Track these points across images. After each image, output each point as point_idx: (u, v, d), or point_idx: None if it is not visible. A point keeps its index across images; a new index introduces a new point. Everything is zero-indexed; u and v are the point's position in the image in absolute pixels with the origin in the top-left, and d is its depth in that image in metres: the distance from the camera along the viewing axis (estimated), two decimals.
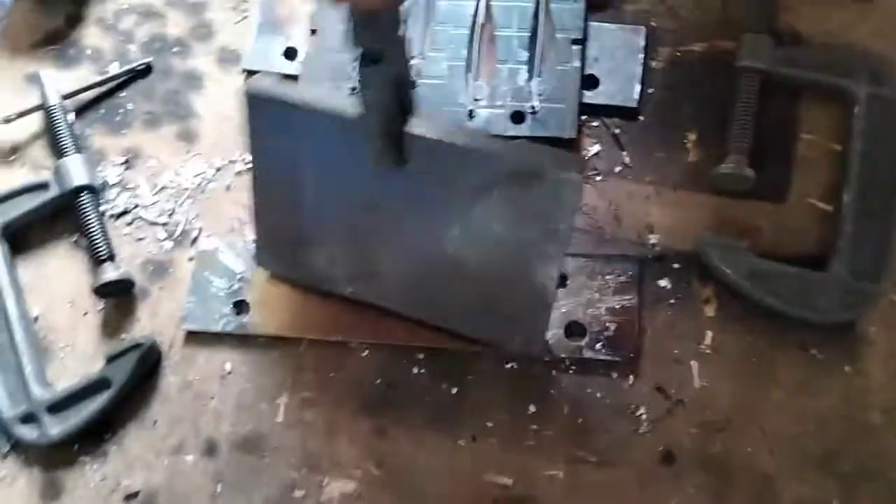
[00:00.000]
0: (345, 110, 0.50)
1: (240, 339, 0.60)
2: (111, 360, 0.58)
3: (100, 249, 0.62)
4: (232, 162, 0.66)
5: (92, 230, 0.63)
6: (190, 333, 0.61)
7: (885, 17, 0.64)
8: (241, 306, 0.61)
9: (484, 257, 0.53)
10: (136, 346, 0.58)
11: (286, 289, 0.61)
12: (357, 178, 0.53)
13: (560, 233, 0.50)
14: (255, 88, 0.53)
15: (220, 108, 0.68)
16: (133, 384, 0.59)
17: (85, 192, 0.64)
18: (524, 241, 0.51)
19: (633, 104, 0.63)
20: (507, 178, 0.49)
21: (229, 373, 0.59)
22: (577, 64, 0.63)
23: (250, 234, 0.63)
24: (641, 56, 0.64)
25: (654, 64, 0.65)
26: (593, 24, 0.65)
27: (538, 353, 0.56)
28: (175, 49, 0.71)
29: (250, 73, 0.69)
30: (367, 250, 0.56)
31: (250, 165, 0.58)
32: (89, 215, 0.63)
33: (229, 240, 0.63)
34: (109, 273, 0.61)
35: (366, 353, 0.59)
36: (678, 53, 0.65)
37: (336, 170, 0.54)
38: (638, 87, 0.63)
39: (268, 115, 0.54)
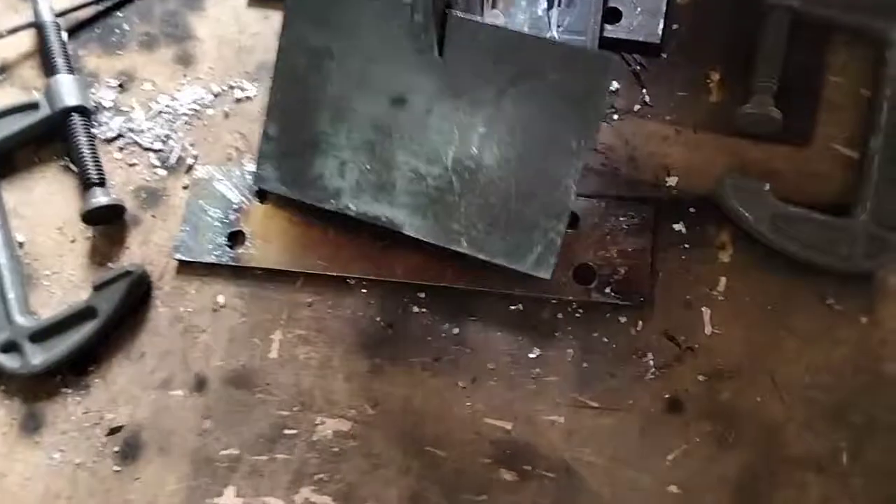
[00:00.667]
0: None
1: (234, 272, 0.58)
2: (98, 288, 0.56)
3: (90, 173, 0.59)
4: (231, 88, 0.63)
5: (82, 153, 0.60)
6: (182, 264, 0.58)
7: None
8: (236, 237, 0.58)
9: (506, 158, 0.52)
10: (125, 273, 0.56)
11: (284, 221, 0.58)
12: (389, 70, 0.53)
13: (588, 123, 0.50)
14: None
15: (220, 30, 0.65)
16: (120, 314, 0.56)
17: (76, 113, 0.61)
18: (550, 137, 0.51)
19: (656, 40, 0.60)
20: (547, 63, 0.50)
21: (222, 306, 0.57)
22: None
23: (248, 164, 0.61)
24: None
25: (679, 0, 0.61)
26: None
27: (546, 275, 0.53)
28: None
29: None
30: (384, 154, 0.54)
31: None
32: (80, 138, 0.60)
33: (226, 168, 0.60)
34: (99, 198, 0.58)
35: (364, 289, 0.57)
36: None
37: (368, 60, 0.53)
38: (662, 23, 0.60)
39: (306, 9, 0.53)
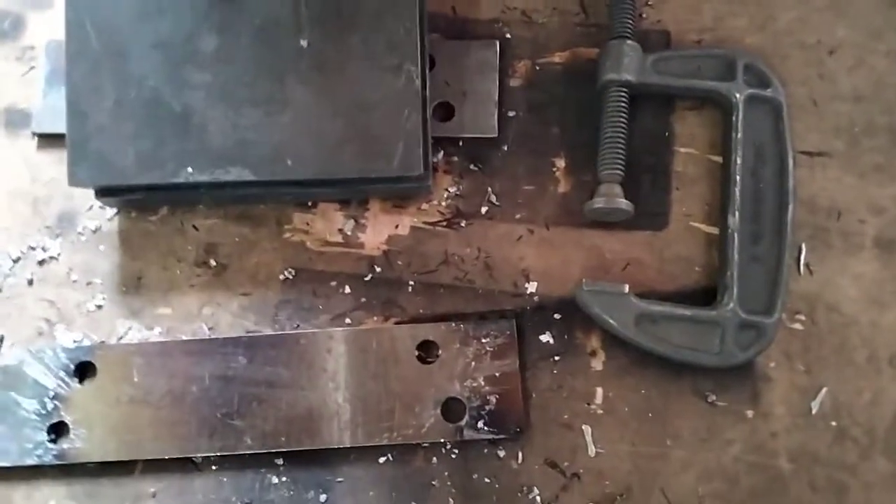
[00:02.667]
0: None
1: (63, 469, 0.51)
2: None
3: None
4: (32, 249, 0.55)
5: None
6: (2, 468, 0.51)
7: (759, 5, 0.57)
8: (58, 430, 0.51)
9: (343, 52, 0.50)
10: None
11: (109, 402, 0.51)
12: (185, 20, 0.51)
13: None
14: None
15: (11, 183, 0.57)
16: None
17: None
18: (372, 39, 0.50)
19: (493, 133, 0.55)
20: None
21: None
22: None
23: (61, 335, 0.53)
24: (496, 76, 0.56)
25: (511, 82, 0.57)
26: (440, 43, 0.56)
27: (418, 172, 0.50)
28: None
29: (42, 136, 0.57)
30: (204, 108, 0.50)
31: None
32: None
33: (37, 347, 0.53)
34: None
35: (214, 466, 0.50)
36: (537, 67, 0.57)
37: (162, 20, 0.51)
38: (496, 114, 0.55)
39: None
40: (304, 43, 0.50)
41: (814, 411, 0.50)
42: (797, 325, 0.52)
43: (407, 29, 0.51)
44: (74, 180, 0.51)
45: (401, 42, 0.51)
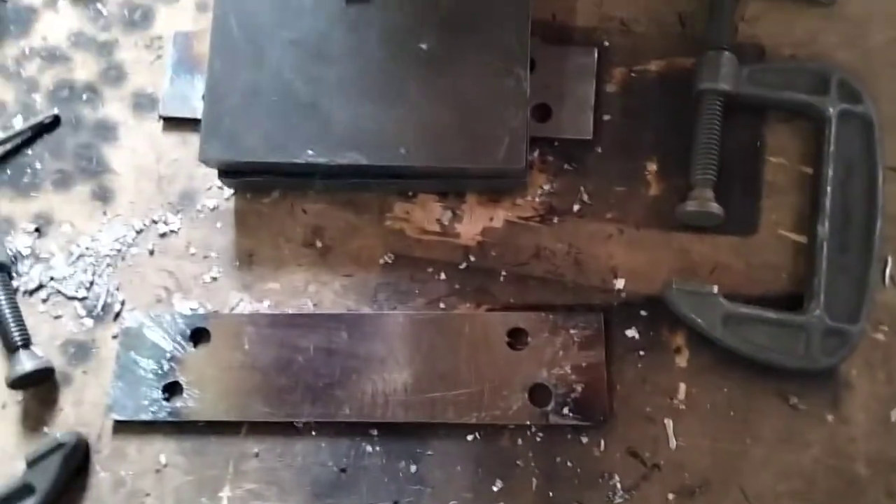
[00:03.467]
0: None
1: (174, 426, 0.55)
2: (32, 463, 0.53)
3: (13, 336, 0.56)
4: (154, 222, 0.60)
5: (3, 315, 0.56)
6: (119, 423, 0.55)
7: (851, 23, 0.59)
8: (172, 389, 0.55)
9: (458, 55, 0.55)
10: (59, 445, 0.53)
11: (221, 366, 0.55)
12: (320, 21, 0.56)
13: (522, 18, 0.55)
14: None
15: (137, 160, 0.62)
16: (59, 488, 0.53)
17: None
18: (486, 42, 0.55)
19: (588, 136, 0.58)
20: None
21: (165, 465, 0.54)
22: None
23: (178, 304, 0.58)
24: (594, 81, 0.58)
25: (607, 88, 0.59)
26: (541, 47, 0.59)
27: (520, 167, 0.54)
28: (84, 96, 0.64)
29: (167, 119, 0.62)
30: (330, 98, 0.55)
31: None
32: None
33: (156, 312, 0.57)
34: (24, 364, 0.55)
35: (314, 432, 0.54)
36: (633, 74, 0.59)
37: (300, 20, 0.56)
38: (592, 116, 0.58)
39: None
40: (423, 46, 0.55)
41: (892, 419, 0.51)
42: (880, 336, 0.53)
43: (518, 37, 0.55)
44: (205, 156, 0.55)
45: (511, 48, 0.55)
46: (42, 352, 0.57)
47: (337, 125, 0.55)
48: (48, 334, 0.58)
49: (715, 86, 0.55)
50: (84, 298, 0.59)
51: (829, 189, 0.54)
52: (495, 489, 0.52)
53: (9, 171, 0.63)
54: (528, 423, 0.53)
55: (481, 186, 0.58)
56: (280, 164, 0.55)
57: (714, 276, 0.55)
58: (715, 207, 0.53)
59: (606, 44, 0.60)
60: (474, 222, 0.58)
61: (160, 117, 0.62)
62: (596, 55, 0.59)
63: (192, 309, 0.58)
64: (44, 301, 0.59)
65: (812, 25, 0.59)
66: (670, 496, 0.51)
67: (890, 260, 0.54)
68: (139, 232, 0.60)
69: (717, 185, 0.55)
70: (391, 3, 0.56)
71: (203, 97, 0.57)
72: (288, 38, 0.56)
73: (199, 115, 0.58)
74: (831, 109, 0.55)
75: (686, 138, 0.56)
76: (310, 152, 0.54)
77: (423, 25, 0.55)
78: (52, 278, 0.59)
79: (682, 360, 0.53)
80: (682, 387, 0.53)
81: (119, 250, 0.60)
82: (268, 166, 0.56)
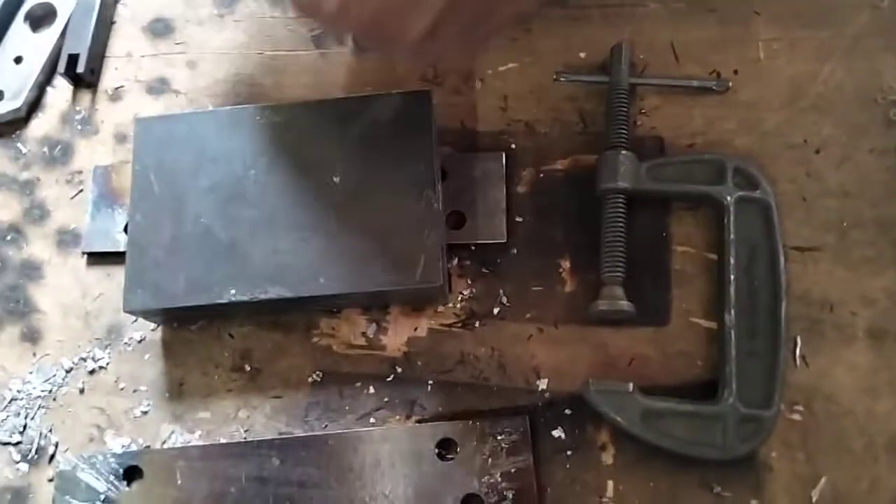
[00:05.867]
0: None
1: None
2: None
3: None
4: (83, 360, 0.60)
5: None
6: None
7: (746, 107, 0.61)
8: None
9: (369, 184, 0.57)
10: None
11: (156, 503, 0.55)
12: (235, 166, 0.59)
13: (427, 145, 0.58)
14: (143, 120, 0.62)
15: (63, 298, 0.62)
16: None
17: None
18: (395, 170, 0.57)
19: (503, 239, 0.59)
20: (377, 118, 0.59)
21: None
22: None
23: (111, 441, 0.58)
24: (503, 185, 0.60)
25: (518, 189, 0.61)
26: (451, 157, 0.61)
27: (438, 283, 0.55)
28: (9, 237, 0.65)
29: (90, 255, 0.63)
30: (248, 238, 0.57)
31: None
32: None
33: (89, 452, 0.57)
34: None
35: None
36: (541, 175, 0.61)
37: (215, 167, 0.59)
38: (505, 220, 0.60)
39: (153, 135, 0.60)
40: (336, 179, 0.57)
41: (814, 500, 0.52)
42: (796, 416, 0.54)
43: (425, 159, 0.57)
44: (129, 307, 0.57)
45: (419, 171, 0.57)
46: None
47: (257, 263, 0.56)
48: None
49: (615, 185, 0.57)
50: (18, 443, 0.59)
51: (732, 276, 0.56)
52: None
53: None
54: None
55: (403, 298, 0.59)
56: (203, 307, 0.57)
57: (632, 368, 0.56)
58: (625, 305, 0.55)
59: (514, 146, 0.62)
60: (399, 333, 0.59)
61: (83, 253, 0.63)
62: (504, 159, 0.61)
63: (123, 446, 0.58)
64: None
65: (709, 113, 0.62)
66: None
67: (799, 339, 0.56)
68: (69, 371, 0.61)
69: (627, 280, 0.56)
70: (303, 142, 0.59)
71: (125, 247, 0.59)
72: (205, 186, 0.58)
73: (122, 248, 0.60)
74: (728, 198, 0.57)
75: (595, 234, 0.58)
76: (232, 291, 0.55)
77: (334, 159, 0.58)
78: None
79: (608, 457, 0.55)
80: (610, 484, 0.54)
81: (50, 391, 0.60)
82: (191, 309, 0.57)
